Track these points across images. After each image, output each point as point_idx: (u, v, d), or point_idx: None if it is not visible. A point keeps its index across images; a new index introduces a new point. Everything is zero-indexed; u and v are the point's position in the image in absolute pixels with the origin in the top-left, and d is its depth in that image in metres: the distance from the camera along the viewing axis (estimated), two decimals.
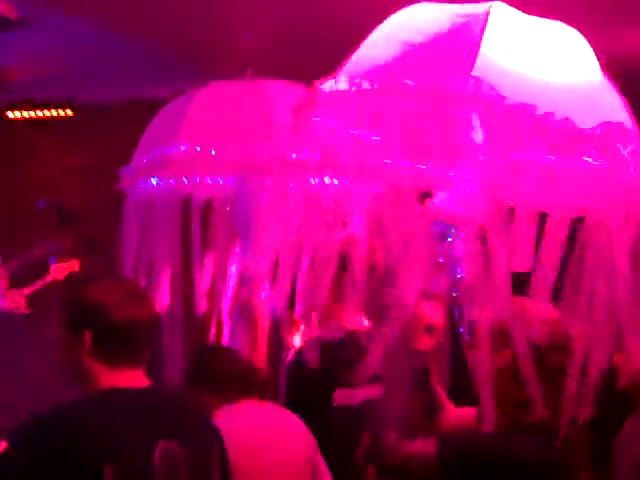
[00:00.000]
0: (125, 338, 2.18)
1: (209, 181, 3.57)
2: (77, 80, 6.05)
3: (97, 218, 4.00)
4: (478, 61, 2.24)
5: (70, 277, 5.40)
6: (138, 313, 2.20)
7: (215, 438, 2.30)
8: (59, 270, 5.47)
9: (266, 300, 3.52)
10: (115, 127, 5.98)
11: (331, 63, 5.29)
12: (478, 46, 2.28)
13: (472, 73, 2.21)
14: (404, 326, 2.66)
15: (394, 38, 2.41)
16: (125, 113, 6.07)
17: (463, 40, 2.33)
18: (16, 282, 5.72)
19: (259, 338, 3.56)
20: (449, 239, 2.64)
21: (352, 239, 3.23)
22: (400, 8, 2.43)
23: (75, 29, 4.99)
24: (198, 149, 3.30)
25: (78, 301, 2.23)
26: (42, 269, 5.57)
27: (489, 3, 2.45)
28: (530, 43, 2.40)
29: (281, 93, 3.47)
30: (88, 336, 2.17)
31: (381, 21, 2.41)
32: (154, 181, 3.51)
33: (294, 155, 3.10)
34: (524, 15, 2.50)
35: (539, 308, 2.51)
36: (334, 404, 3.47)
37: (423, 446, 2.69)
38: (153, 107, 3.87)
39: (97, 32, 5.00)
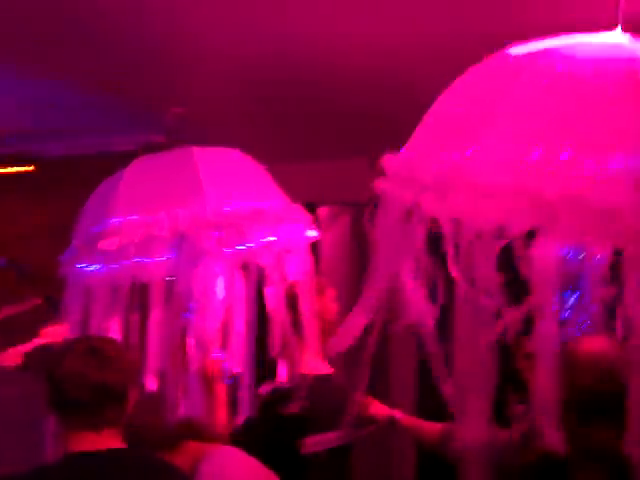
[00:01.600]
0: (74, 401, 2.16)
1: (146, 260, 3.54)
2: (36, 134, 5.98)
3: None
4: None
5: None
6: (90, 376, 2.16)
7: None
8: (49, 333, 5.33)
9: (220, 361, 3.49)
10: (78, 180, 5.92)
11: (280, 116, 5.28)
12: None
13: None
14: None
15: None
16: (87, 166, 6.01)
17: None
18: None
19: (218, 400, 3.49)
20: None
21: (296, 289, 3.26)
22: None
23: (27, 83, 4.91)
24: (135, 217, 3.34)
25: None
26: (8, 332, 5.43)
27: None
28: None
29: (206, 156, 3.54)
30: (50, 403, 2.22)
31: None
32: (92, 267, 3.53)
33: (228, 208, 3.12)
34: None
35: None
36: (303, 451, 3.41)
37: None
38: (117, 159, 3.84)
39: (51, 85, 4.92)
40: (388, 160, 2.33)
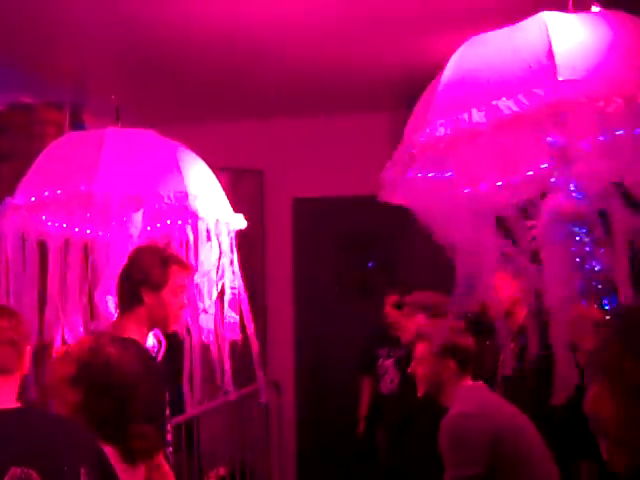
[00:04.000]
0: None
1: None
2: None
3: None
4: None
5: None
6: None
7: (87, 459, 2.15)
8: None
9: None
10: None
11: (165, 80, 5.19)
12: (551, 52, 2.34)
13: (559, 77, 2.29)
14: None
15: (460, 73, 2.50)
16: None
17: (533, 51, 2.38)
18: None
19: None
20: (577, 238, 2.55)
21: None
22: None
23: None
24: (46, 193, 3.42)
25: None
26: None
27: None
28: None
29: (117, 136, 3.59)
30: None
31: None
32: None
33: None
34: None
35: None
36: None
37: None
38: None
39: None
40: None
